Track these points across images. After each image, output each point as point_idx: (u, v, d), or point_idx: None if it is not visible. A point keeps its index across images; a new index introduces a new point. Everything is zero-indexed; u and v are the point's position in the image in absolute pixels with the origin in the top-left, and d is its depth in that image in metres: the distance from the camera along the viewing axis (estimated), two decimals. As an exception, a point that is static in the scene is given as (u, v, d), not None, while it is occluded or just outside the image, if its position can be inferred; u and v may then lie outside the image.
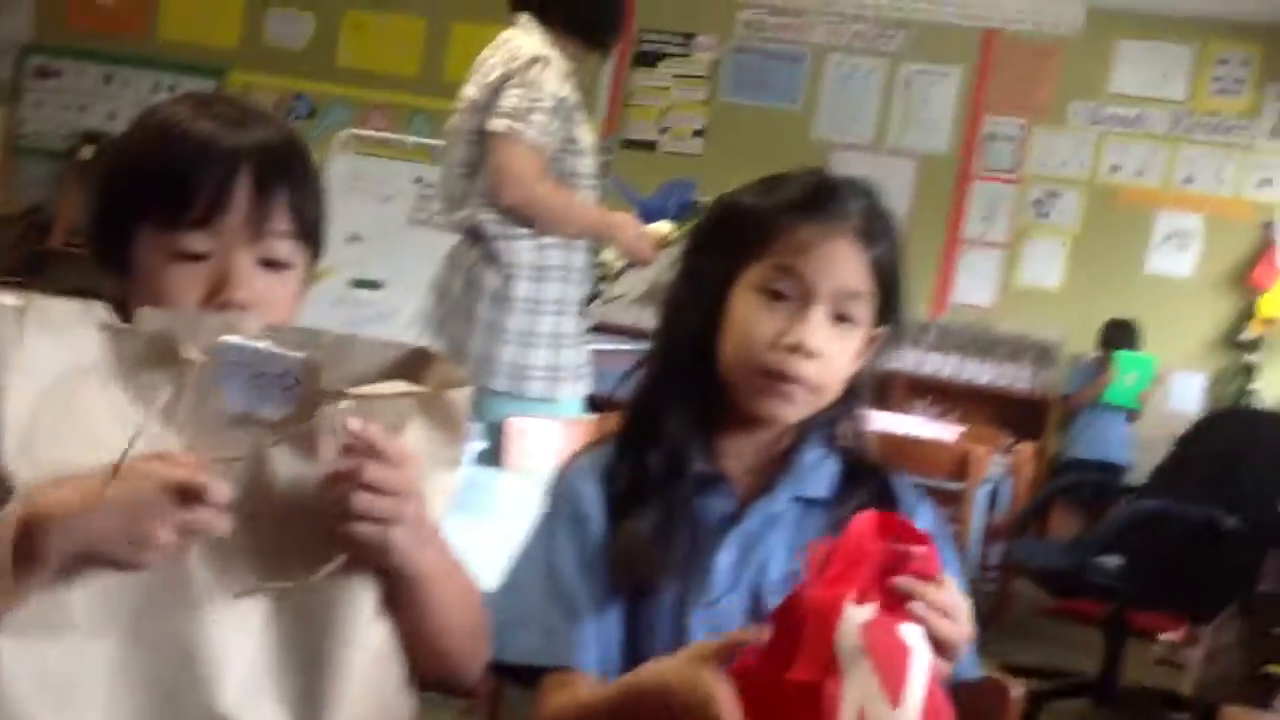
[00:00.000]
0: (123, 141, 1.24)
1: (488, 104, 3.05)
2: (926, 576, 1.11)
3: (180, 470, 0.99)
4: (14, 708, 0.98)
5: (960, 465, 4.17)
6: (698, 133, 7.70)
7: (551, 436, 2.78)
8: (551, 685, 1.30)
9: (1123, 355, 6.51)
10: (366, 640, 1.08)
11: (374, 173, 5.76)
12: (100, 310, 1.04)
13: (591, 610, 1.31)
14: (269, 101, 7.57)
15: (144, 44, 8.26)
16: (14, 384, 1.00)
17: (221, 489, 0.98)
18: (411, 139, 6.20)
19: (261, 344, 1.03)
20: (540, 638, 1.30)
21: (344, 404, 1.03)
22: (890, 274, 1.37)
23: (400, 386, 1.07)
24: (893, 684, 1.04)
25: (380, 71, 7.97)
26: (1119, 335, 6.62)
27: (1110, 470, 6.42)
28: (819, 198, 1.35)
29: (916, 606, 1.09)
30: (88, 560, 0.98)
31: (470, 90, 3.16)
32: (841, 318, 1.34)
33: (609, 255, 3.33)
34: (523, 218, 3.06)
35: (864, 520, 1.12)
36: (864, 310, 1.35)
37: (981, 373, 7.21)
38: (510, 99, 3.00)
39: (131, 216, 1.17)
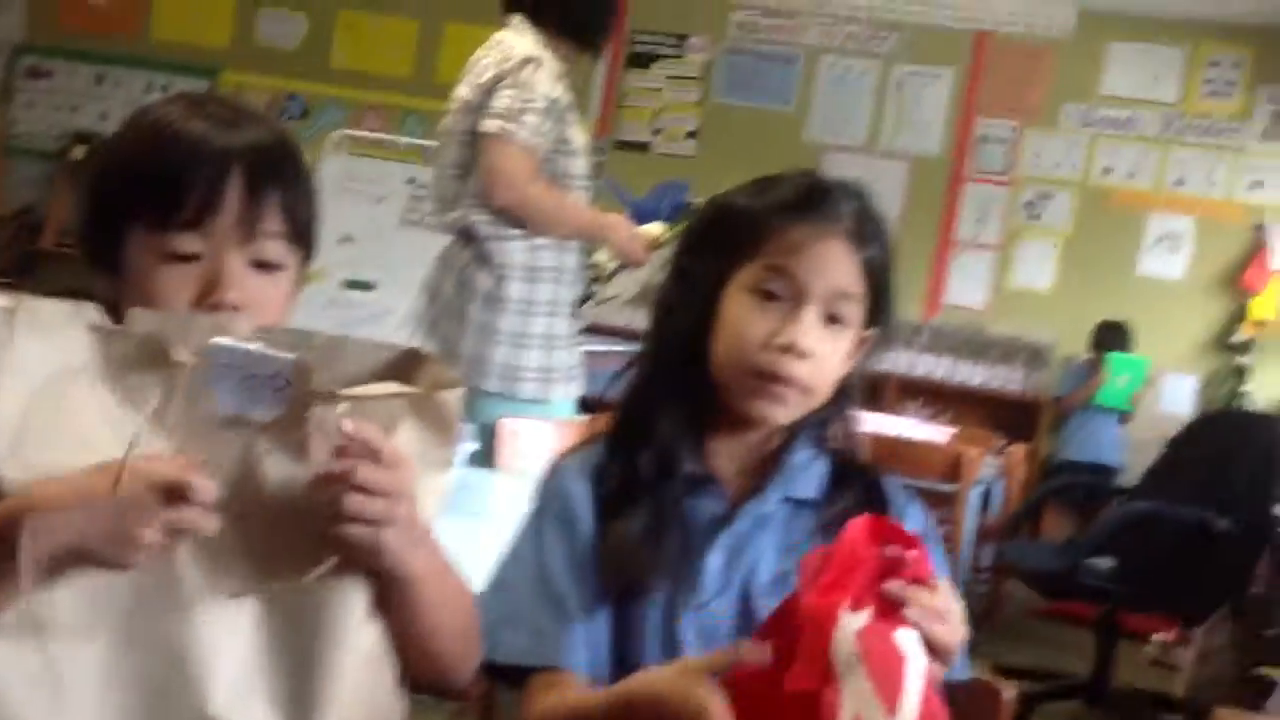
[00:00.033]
0: (114, 142, 1.24)
1: (480, 105, 3.05)
2: (919, 581, 1.11)
3: (167, 469, 0.98)
4: (4, 710, 0.98)
5: (953, 467, 4.18)
6: (690, 134, 7.70)
7: (544, 438, 2.78)
8: (539, 685, 1.29)
9: (1115, 357, 6.52)
10: (358, 642, 1.07)
11: (367, 173, 5.75)
12: (91, 311, 1.03)
13: (581, 611, 1.31)
14: (261, 102, 7.56)
15: (136, 44, 8.24)
16: (3, 385, 0.99)
17: (208, 487, 0.97)
18: (404, 140, 6.20)
19: (252, 346, 1.03)
20: (529, 637, 1.30)
21: (338, 406, 1.03)
22: (881, 276, 1.37)
23: (392, 388, 1.06)
24: (889, 691, 1.04)
25: (373, 72, 7.96)
26: (1111, 337, 6.62)
27: (1102, 472, 6.43)
28: (811, 199, 1.36)
29: (910, 611, 1.09)
30: (73, 559, 0.97)
31: (463, 91, 3.15)
32: (833, 318, 1.34)
33: (601, 256, 3.32)
34: (515, 219, 3.06)
35: (857, 526, 1.12)
36: (855, 311, 1.35)
37: (974, 374, 7.22)
38: (503, 100, 3.00)
39: (123, 217, 1.17)
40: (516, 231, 3.08)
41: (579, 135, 3.18)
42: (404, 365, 1.08)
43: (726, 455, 1.39)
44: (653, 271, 3.20)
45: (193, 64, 8.07)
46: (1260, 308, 6.84)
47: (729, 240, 1.36)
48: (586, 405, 3.21)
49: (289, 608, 1.05)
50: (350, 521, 1.03)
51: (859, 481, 1.40)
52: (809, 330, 1.32)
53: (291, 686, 1.04)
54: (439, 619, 1.13)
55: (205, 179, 1.15)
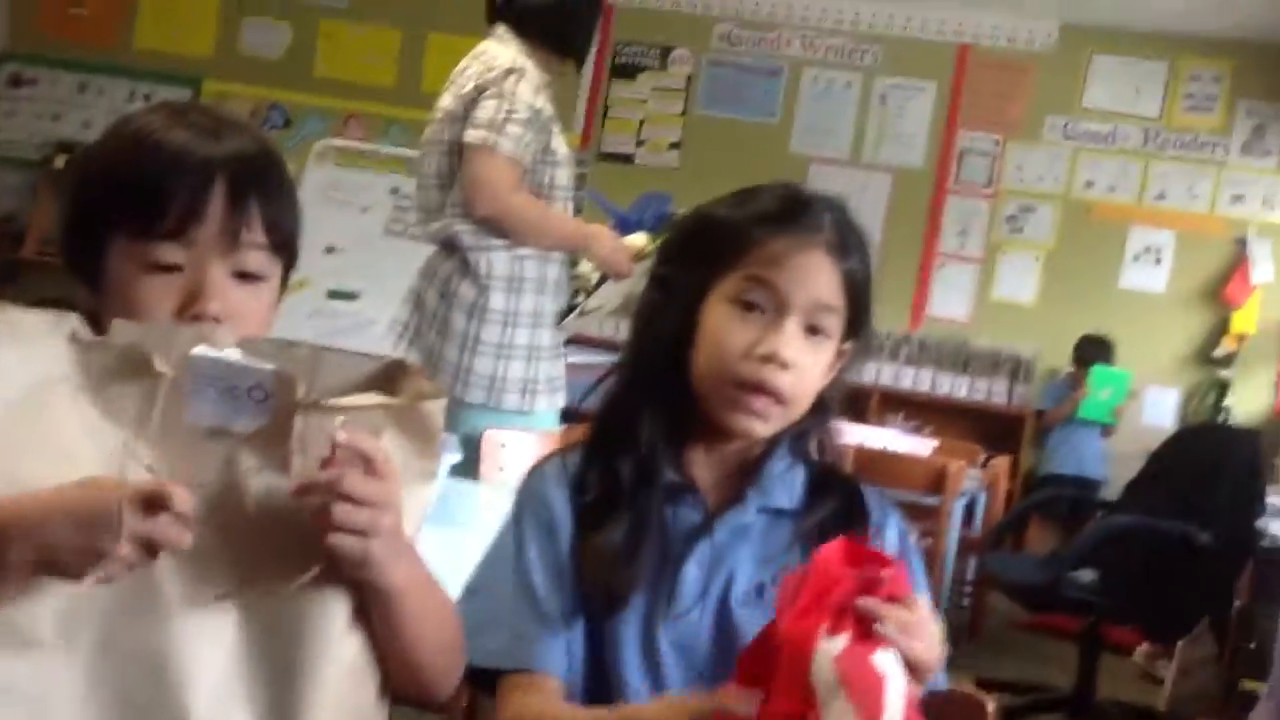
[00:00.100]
0: (95, 150, 1.23)
1: (463, 115, 3.05)
2: (895, 599, 1.12)
3: (144, 480, 0.97)
4: None
5: (936, 479, 4.19)
6: (674, 145, 7.71)
7: (528, 449, 2.77)
8: (514, 686, 1.29)
9: (1097, 371, 6.54)
10: (340, 652, 1.07)
11: (350, 183, 5.73)
12: (71, 322, 1.03)
13: (559, 617, 1.31)
14: (244, 111, 7.54)
15: (119, 53, 8.21)
16: None
17: (184, 497, 0.96)
18: (387, 149, 6.19)
19: (233, 357, 1.03)
20: (507, 640, 1.30)
21: (325, 416, 1.03)
22: (862, 288, 1.37)
23: (374, 398, 1.06)
24: (870, 713, 1.04)
25: (357, 82, 7.95)
26: (1093, 350, 6.64)
27: (1086, 485, 6.45)
28: (792, 210, 1.36)
29: (885, 627, 1.09)
30: (45, 571, 0.97)
31: (446, 101, 3.15)
32: (814, 330, 1.34)
33: (585, 267, 3.32)
34: (498, 229, 3.06)
35: (831, 549, 1.13)
36: (835, 323, 1.35)
37: (957, 387, 7.23)
38: (486, 110, 3.00)
39: (104, 226, 1.16)
40: (499, 242, 3.08)
41: (562, 146, 3.18)
42: (387, 376, 1.08)
43: (705, 465, 1.39)
44: (636, 283, 3.20)
45: (175, 73, 8.05)
46: (1241, 321, 6.86)
47: (710, 251, 1.36)
48: (570, 416, 3.20)
49: (270, 618, 1.04)
50: (336, 531, 1.02)
51: (838, 491, 1.40)
52: (790, 340, 1.32)
53: (272, 696, 1.03)
54: (421, 631, 1.13)
55: (188, 189, 1.14)
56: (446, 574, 1.23)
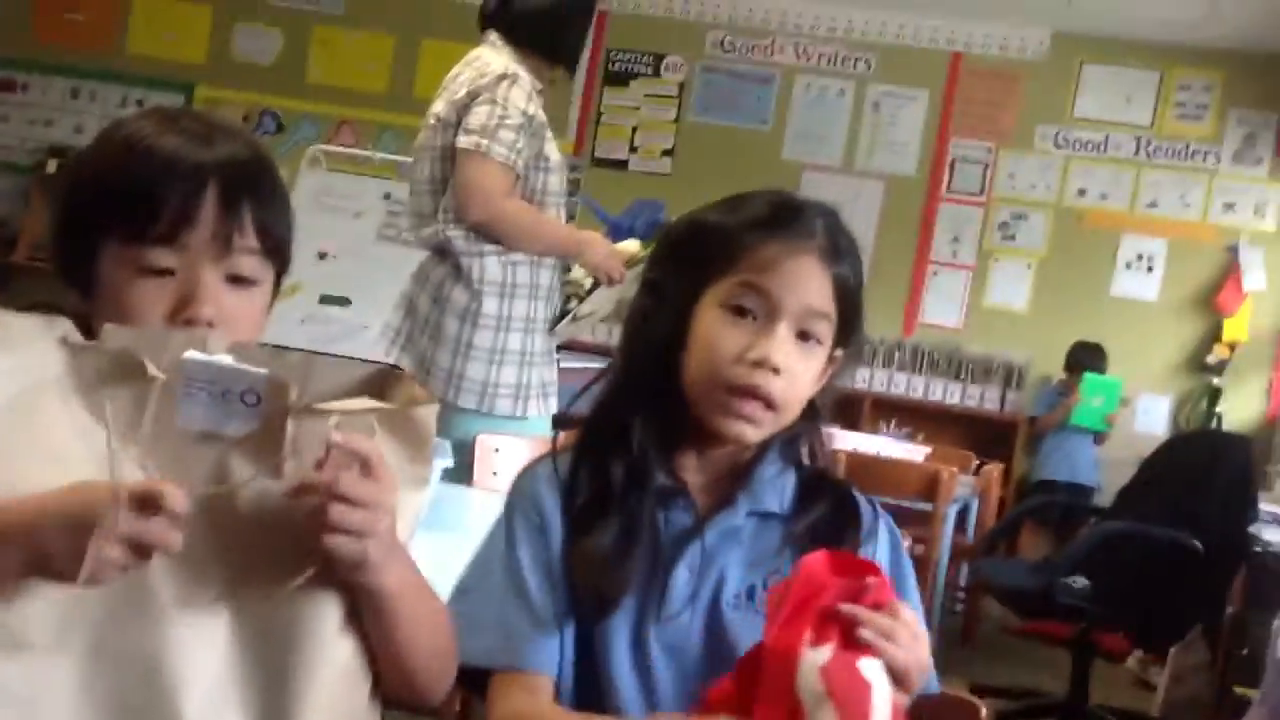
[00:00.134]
0: (88, 155, 1.23)
1: (455, 121, 3.05)
2: (879, 606, 1.12)
3: (137, 480, 0.97)
4: None
5: (929, 485, 4.19)
6: (667, 152, 7.71)
7: (520, 454, 2.77)
8: (505, 684, 1.29)
9: (1089, 378, 6.54)
10: (332, 655, 1.07)
11: (343, 189, 5.74)
12: (63, 326, 1.03)
13: (551, 617, 1.31)
14: (237, 117, 7.53)
15: (112, 58, 8.20)
16: None
17: (178, 496, 0.96)
18: (379, 155, 6.19)
19: (225, 361, 1.03)
20: (498, 638, 1.30)
21: (325, 419, 1.03)
22: (853, 295, 1.37)
23: (366, 403, 1.06)
24: None
25: (349, 88, 7.95)
26: (1085, 358, 6.65)
27: (1078, 491, 6.46)
28: (784, 216, 1.36)
29: (866, 633, 1.10)
30: (36, 573, 0.96)
31: (438, 107, 3.15)
32: (805, 336, 1.34)
33: (578, 273, 3.32)
34: (490, 234, 3.06)
35: (816, 558, 1.13)
36: (826, 330, 1.35)
37: (949, 393, 7.24)
38: (478, 116, 3.00)
39: (96, 231, 1.16)
40: (492, 248, 3.08)
41: (555, 152, 3.18)
42: (378, 382, 1.08)
43: (696, 468, 1.39)
44: (628, 289, 3.20)
45: (168, 79, 8.04)
46: (1233, 329, 6.88)
47: (702, 256, 1.36)
48: (563, 422, 3.19)
49: (263, 621, 1.04)
50: (333, 532, 1.02)
51: (829, 496, 1.41)
52: (781, 346, 1.32)
53: (266, 700, 1.03)
54: (414, 635, 1.13)
55: (180, 194, 1.14)
56: (439, 579, 1.23)
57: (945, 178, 7.40)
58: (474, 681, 1.30)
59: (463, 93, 3.07)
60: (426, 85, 3.74)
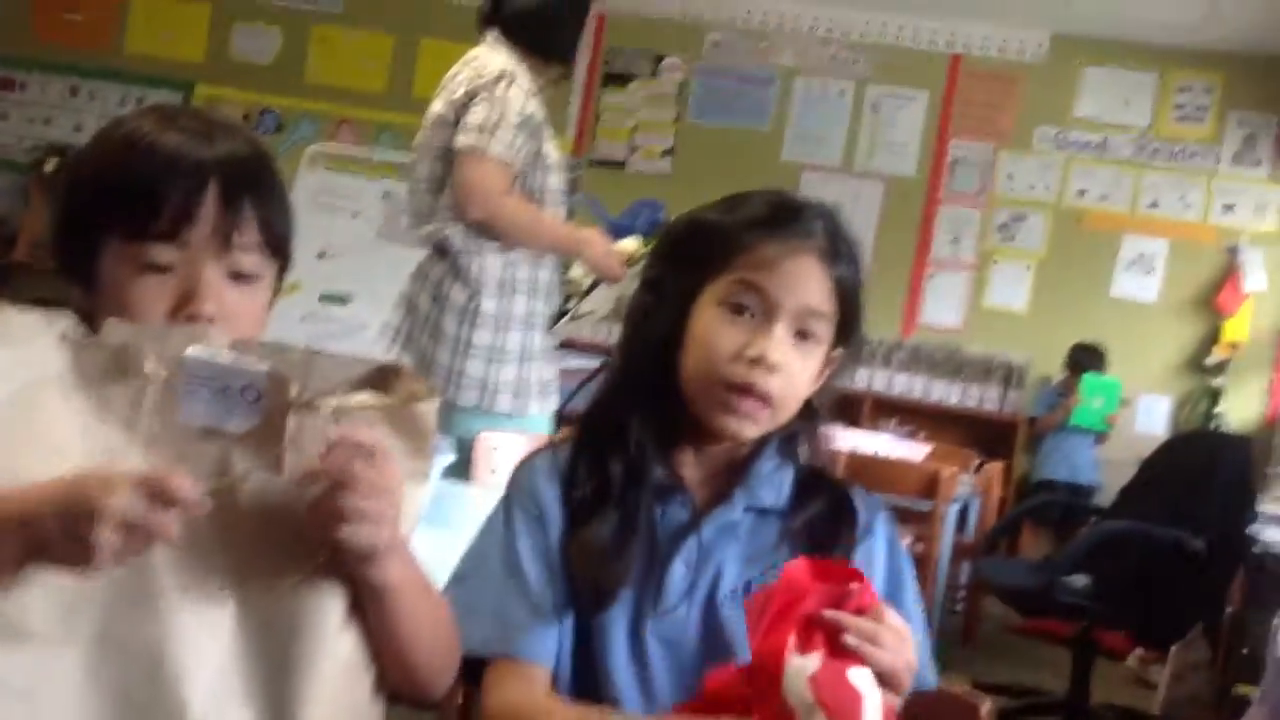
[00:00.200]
0: (88, 153, 1.23)
1: (454, 120, 3.06)
2: (863, 611, 1.13)
3: (140, 468, 0.97)
4: None
5: (929, 484, 4.19)
6: (666, 152, 7.71)
7: (519, 452, 2.76)
8: (501, 673, 1.29)
9: (1088, 379, 6.55)
10: (335, 648, 1.07)
11: (342, 188, 5.74)
12: (64, 322, 1.03)
13: (549, 608, 1.31)
14: (236, 116, 7.53)
15: (111, 57, 8.21)
16: None
17: (187, 485, 0.96)
18: (379, 154, 6.19)
19: (226, 357, 1.03)
20: (495, 627, 1.30)
21: (326, 415, 1.03)
22: (852, 295, 1.38)
23: (368, 398, 1.06)
24: None
25: (348, 87, 7.95)
26: (1086, 359, 6.66)
27: (1079, 491, 6.46)
28: (784, 216, 1.36)
29: (850, 638, 1.10)
30: (35, 560, 0.96)
31: (437, 106, 3.16)
32: (803, 335, 1.34)
33: (577, 272, 3.32)
34: (489, 233, 3.06)
35: (798, 565, 1.14)
36: (825, 330, 1.36)
37: (950, 393, 7.24)
38: (476, 115, 3.00)
39: (98, 228, 1.17)
40: (491, 246, 3.08)
41: (554, 151, 3.18)
42: (379, 379, 1.08)
43: (693, 464, 1.39)
44: (627, 287, 3.20)
45: (167, 78, 8.04)
46: (1233, 330, 6.88)
47: (701, 254, 1.37)
48: (562, 419, 3.20)
49: (266, 614, 1.04)
50: (343, 520, 1.02)
51: (826, 492, 1.41)
52: (779, 344, 1.32)
53: (269, 692, 1.04)
54: (415, 629, 1.13)
55: (181, 191, 1.15)
56: (439, 575, 1.24)
57: (945, 179, 7.40)
58: (469, 670, 1.30)
59: (461, 92, 3.07)
60: (425, 84, 3.74)
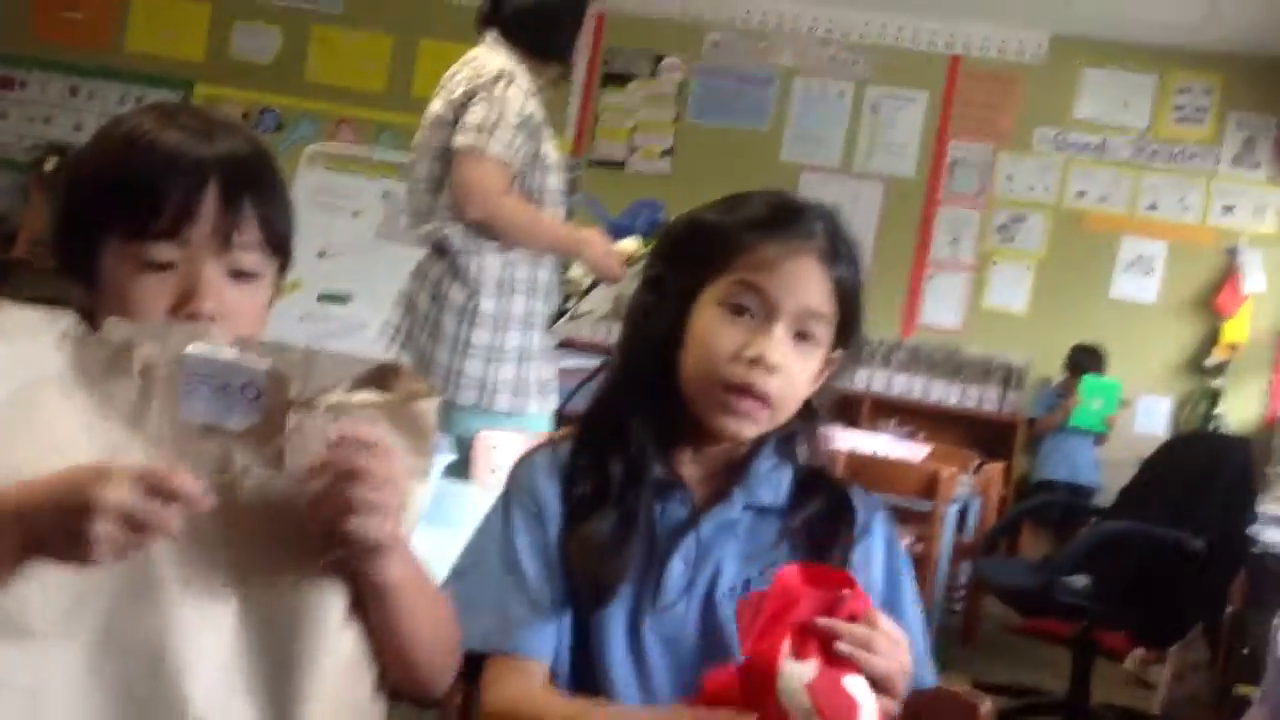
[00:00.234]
0: (88, 151, 1.23)
1: (453, 120, 3.06)
2: (856, 617, 1.13)
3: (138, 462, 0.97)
4: None
5: (929, 485, 4.20)
6: (665, 153, 7.71)
7: (519, 451, 2.76)
8: (500, 668, 1.29)
9: (1087, 380, 6.55)
10: (336, 645, 1.07)
11: (342, 187, 5.74)
12: (65, 320, 1.03)
13: (547, 603, 1.32)
14: (236, 115, 7.53)
15: (110, 56, 8.21)
16: None
17: (187, 479, 0.96)
18: (378, 154, 6.19)
19: (226, 355, 1.03)
20: (494, 621, 1.30)
21: (326, 413, 1.03)
22: (851, 296, 1.38)
23: (368, 396, 1.07)
24: None
25: (348, 87, 7.95)
26: (1085, 360, 6.66)
27: (1078, 492, 6.47)
28: (784, 217, 1.37)
29: (843, 646, 1.11)
30: (34, 554, 0.96)
31: (436, 106, 3.16)
32: (802, 336, 1.35)
33: (577, 272, 3.32)
34: (488, 232, 3.06)
35: (790, 571, 1.14)
36: (824, 331, 1.36)
37: (949, 394, 7.23)
38: (475, 114, 3.00)
39: (98, 226, 1.17)
40: (490, 245, 3.08)
41: (553, 151, 3.18)
42: (379, 378, 1.08)
43: (692, 462, 1.40)
44: (627, 287, 3.20)
45: (167, 77, 8.04)
46: (1232, 331, 6.88)
47: (701, 254, 1.37)
48: (562, 418, 3.20)
49: (268, 611, 1.04)
50: (352, 513, 1.01)
51: (825, 491, 1.41)
52: (778, 345, 1.32)
53: (271, 688, 1.04)
54: (416, 627, 1.13)
55: (181, 188, 1.15)
56: (439, 574, 1.24)
57: (944, 180, 7.40)
58: (469, 667, 1.30)
59: (460, 92, 3.07)
60: (424, 85, 3.74)
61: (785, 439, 1.41)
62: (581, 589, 1.32)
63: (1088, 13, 6.80)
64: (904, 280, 7.34)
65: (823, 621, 1.11)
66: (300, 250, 1.28)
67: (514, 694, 1.28)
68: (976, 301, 7.33)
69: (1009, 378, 7.18)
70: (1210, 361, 6.94)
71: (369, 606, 1.09)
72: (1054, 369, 6.92)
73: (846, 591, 1.14)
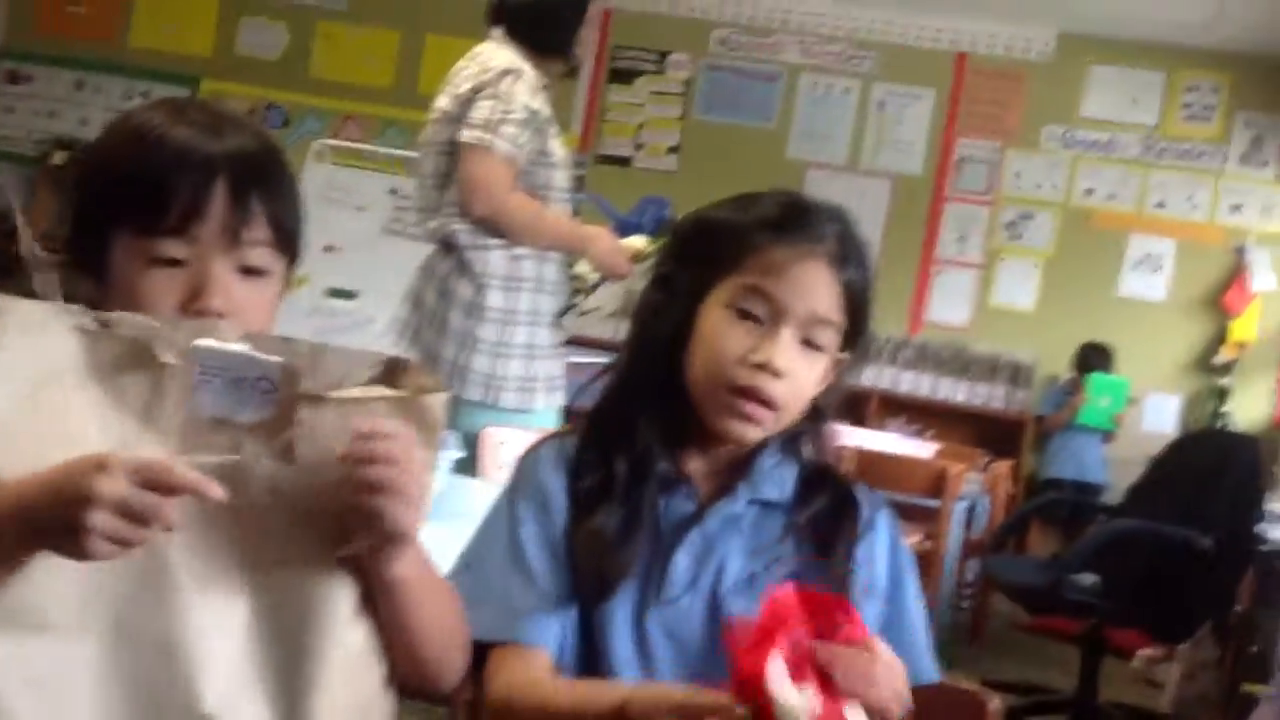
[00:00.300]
0: (98, 146, 1.23)
1: (459, 116, 3.05)
2: (853, 643, 1.13)
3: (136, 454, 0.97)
4: (0, 703, 0.98)
5: (937, 482, 4.20)
6: (672, 149, 7.71)
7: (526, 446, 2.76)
8: (503, 658, 1.30)
9: (1095, 378, 6.54)
10: (346, 638, 1.08)
11: (349, 183, 5.73)
12: (77, 313, 1.03)
13: (553, 595, 1.32)
14: (242, 110, 7.53)
15: (116, 51, 8.22)
16: None
17: (180, 469, 0.96)
18: (384, 150, 6.19)
19: (238, 348, 1.03)
20: (499, 612, 1.30)
21: (337, 406, 1.04)
22: (860, 300, 1.37)
23: (377, 390, 1.07)
24: None
25: (354, 83, 7.96)
26: (1093, 358, 6.66)
27: (1086, 490, 6.46)
28: (795, 219, 1.36)
29: (839, 675, 1.11)
30: (39, 545, 0.97)
31: (442, 102, 3.16)
32: (809, 343, 1.34)
33: (583, 268, 3.32)
34: (494, 228, 3.06)
35: (784, 593, 1.14)
36: (831, 338, 1.36)
37: (956, 391, 7.23)
38: (481, 111, 3.00)
39: (108, 222, 1.16)
40: (496, 241, 3.08)
41: (559, 148, 3.18)
42: (388, 373, 1.08)
43: (698, 458, 1.40)
44: (634, 284, 3.19)
45: (173, 72, 8.05)
46: (1240, 329, 6.88)
47: (710, 254, 1.37)
48: (570, 414, 3.19)
49: (279, 605, 1.05)
50: (379, 492, 1.02)
51: (830, 488, 1.41)
52: (785, 350, 1.32)
53: (282, 680, 1.04)
54: (425, 622, 1.13)
55: (190, 185, 1.14)
56: (447, 568, 1.24)
57: (951, 177, 7.39)
58: (475, 658, 1.29)
59: (466, 87, 3.07)
60: (431, 80, 3.73)
61: (791, 437, 1.41)
62: (586, 582, 1.32)
63: (1095, 10, 6.80)
64: (911, 278, 7.33)
65: (823, 651, 1.11)
66: (307, 245, 1.28)
67: (517, 680, 1.28)
68: (984, 299, 7.33)
69: (1017, 375, 7.17)
70: (1218, 359, 6.93)
71: (379, 602, 1.10)
72: (1062, 367, 6.92)
73: (843, 617, 1.14)
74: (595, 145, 7.76)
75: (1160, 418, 6.98)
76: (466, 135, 3.01)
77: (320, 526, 1.04)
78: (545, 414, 3.16)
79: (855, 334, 1.38)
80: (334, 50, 8.02)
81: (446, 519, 1.50)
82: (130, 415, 1.02)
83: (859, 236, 1.39)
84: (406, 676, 1.15)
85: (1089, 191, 7.23)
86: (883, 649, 1.16)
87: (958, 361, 7.24)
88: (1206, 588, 3.98)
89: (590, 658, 1.32)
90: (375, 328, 4.76)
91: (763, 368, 1.31)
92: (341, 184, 5.69)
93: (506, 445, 2.81)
